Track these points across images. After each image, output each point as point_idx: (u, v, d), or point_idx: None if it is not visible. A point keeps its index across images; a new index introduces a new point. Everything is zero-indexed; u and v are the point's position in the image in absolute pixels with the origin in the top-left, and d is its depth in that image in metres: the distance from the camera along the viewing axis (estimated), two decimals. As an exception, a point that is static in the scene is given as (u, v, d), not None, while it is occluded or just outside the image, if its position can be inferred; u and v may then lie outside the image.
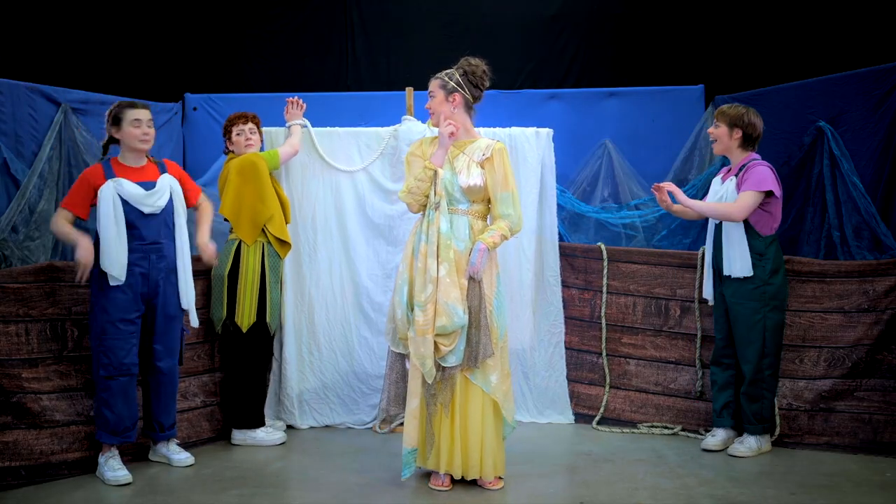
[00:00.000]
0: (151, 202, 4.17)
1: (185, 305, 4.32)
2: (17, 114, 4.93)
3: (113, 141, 4.27)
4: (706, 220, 4.72)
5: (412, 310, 3.86)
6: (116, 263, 4.06)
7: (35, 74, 5.37)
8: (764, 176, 4.35)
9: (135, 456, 4.40)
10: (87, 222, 4.35)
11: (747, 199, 4.34)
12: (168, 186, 4.26)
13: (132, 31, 6.54)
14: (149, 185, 4.19)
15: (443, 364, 3.83)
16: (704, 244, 4.77)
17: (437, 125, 4.05)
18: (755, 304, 4.41)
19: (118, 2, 6.49)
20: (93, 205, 4.19)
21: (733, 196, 4.39)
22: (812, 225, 5.22)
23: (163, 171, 4.31)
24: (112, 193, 4.09)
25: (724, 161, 4.75)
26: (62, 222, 4.13)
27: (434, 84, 4.02)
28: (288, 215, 4.86)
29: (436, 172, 3.89)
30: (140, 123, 4.18)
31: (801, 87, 5.53)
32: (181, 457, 4.37)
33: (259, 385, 4.80)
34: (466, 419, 3.88)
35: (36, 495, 3.94)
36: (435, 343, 3.81)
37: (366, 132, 5.20)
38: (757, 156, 4.51)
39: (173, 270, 4.27)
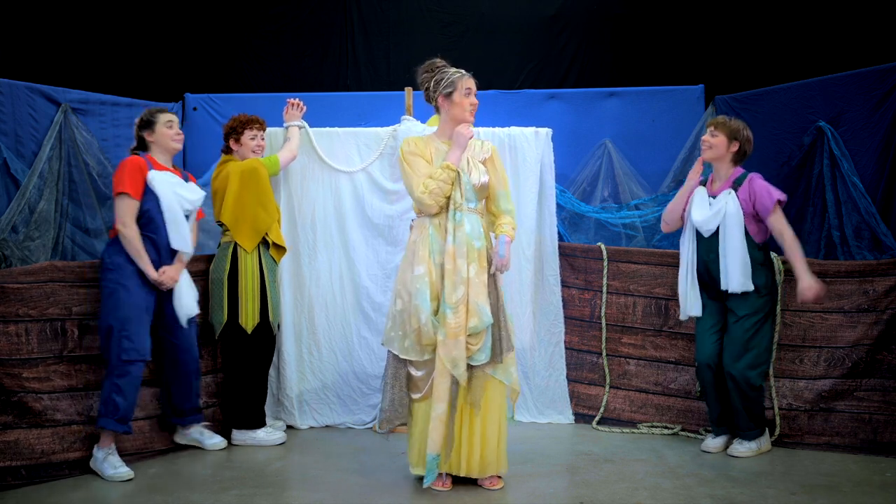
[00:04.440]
0: (192, 202, 4.42)
1: (174, 303, 4.39)
2: (17, 114, 4.94)
3: (141, 147, 4.42)
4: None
5: (435, 313, 3.84)
6: (187, 241, 4.35)
7: (35, 74, 5.38)
8: (769, 190, 4.38)
9: (134, 456, 4.40)
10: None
11: (781, 216, 4.39)
12: (200, 192, 4.50)
13: (132, 31, 6.55)
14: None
15: (473, 363, 3.83)
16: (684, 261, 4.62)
17: (470, 122, 4.01)
18: (760, 314, 4.42)
19: (118, 2, 6.49)
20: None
21: (735, 210, 4.35)
22: (812, 225, 5.22)
23: (186, 179, 4.49)
24: (166, 181, 4.29)
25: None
26: (135, 230, 4.21)
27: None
28: (279, 221, 4.86)
29: (458, 174, 3.89)
30: (172, 125, 4.42)
31: (802, 86, 5.53)
32: (214, 441, 4.57)
33: (260, 385, 4.80)
34: (486, 416, 3.89)
35: (36, 495, 3.93)
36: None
37: (365, 132, 5.20)
38: (742, 170, 4.51)
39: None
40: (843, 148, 5.08)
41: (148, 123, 4.39)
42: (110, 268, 4.22)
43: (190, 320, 4.45)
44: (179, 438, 4.59)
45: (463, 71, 4.01)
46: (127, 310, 4.18)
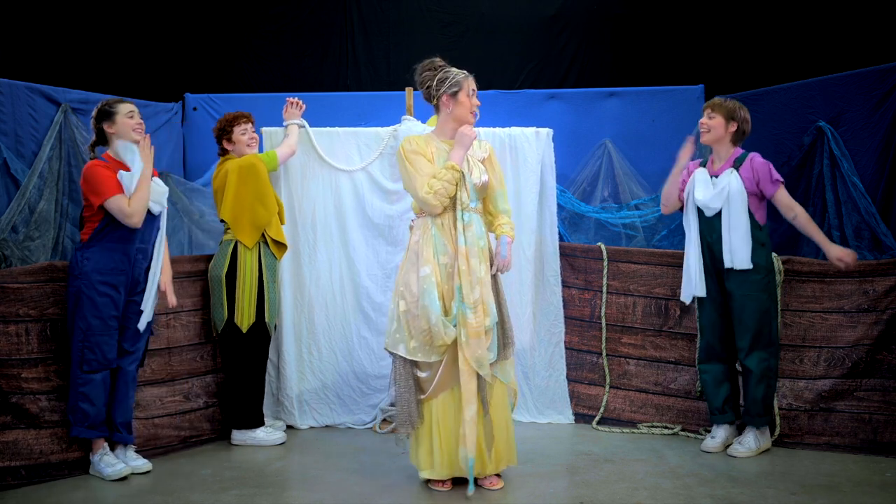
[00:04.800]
0: (161, 200, 4.22)
1: (143, 307, 4.24)
2: (17, 114, 4.93)
3: (100, 141, 4.22)
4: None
5: (446, 314, 3.84)
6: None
7: (35, 74, 5.38)
8: (771, 168, 4.43)
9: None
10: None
11: (786, 192, 4.43)
12: (165, 187, 4.30)
13: (132, 31, 6.55)
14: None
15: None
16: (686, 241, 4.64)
17: (472, 123, 4.00)
18: (764, 294, 4.43)
19: (118, 2, 6.49)
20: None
21: (738, 188, 4.36)
22: (812, 225, 5.21)
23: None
24: (131, 182, 4.08)
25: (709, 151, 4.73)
26: (132, 207, 4.04)
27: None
28: (282, 217, 4.86)
29: (463, 174, 3.89)
30: (133, 115, 4.19)
31: (801, 86, 5.53)
32: (138, 462, 4.25)
33: (258, 385, 4.80)
34: (494, 413, 3.90)
35: (36, 495, 3.94)
36: None
37: (365, 132, 5.20)
38: (742, 150, 4.52)
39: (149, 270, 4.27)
40: (843, 148, 5.08)
41: (107, 114, 4.16)
42: (76, 275, 4.07)
43: (149, 331, 4.30)
44: (94, 468, 4.19)
45: (465, 72, 4.01)
46: (90, 320, 4.06)
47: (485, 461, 3.89)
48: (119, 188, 4.06)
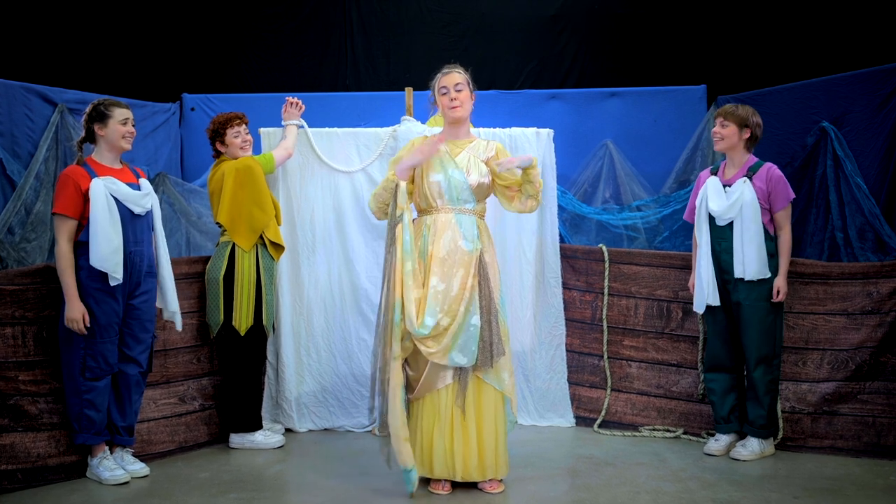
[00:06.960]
0: (143, 203, 4.11)
1: (171, 309, 4.24)
2: (14, 114, 4.92)
3: (89, 139, 4.12)
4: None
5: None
6: (112, 263, 3.95)
7: (31, 74, 5.36)
8: (788, 186, 4.40)
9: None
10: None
11: (789, 214, 4.42)
12: (151, 188, 4.21)
13: (130, 31, 6.54)
14: (134, 187, 4.12)
15: (452, 365, 3.81)
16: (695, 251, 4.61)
17: (457, 119, 3.97)
18: (769, 304, 4.39)
19: (116, 2, 6.47)
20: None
21: (751, 198, 4.32)
22: (815, 226, 5.20)
23: (137, 177, 4.20)
24: (104, 192, 3.95)
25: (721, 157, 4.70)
26: (68, 251, 3.95)
27: (463, 77, 3.98)
28: (279, 218, 4.82)
29: (398, 186, 3.86)
30: (128, 122, 4.10)
31: (805, 87, 5.51)
32: (136, 467, 4.21)
33: (256, 388, 4.78)
34: (481, 420, 3.86)
35: (32, 499, 3.91)
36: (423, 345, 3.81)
37: (365, 133, 5.17)
38: (756, 158, 4.49)
39: (150, 273, 4.20)
40: (847, 148, 5.06)
41: (101, 116, 4.04)
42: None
43: (149, 334, 4.22)
44: (92, 471, 4.14)
45: (448, 67, 4.00)
46: (90, 329, 3.98)
47: (466, 466, 3.87)
48: (74, 211, 3.95)
